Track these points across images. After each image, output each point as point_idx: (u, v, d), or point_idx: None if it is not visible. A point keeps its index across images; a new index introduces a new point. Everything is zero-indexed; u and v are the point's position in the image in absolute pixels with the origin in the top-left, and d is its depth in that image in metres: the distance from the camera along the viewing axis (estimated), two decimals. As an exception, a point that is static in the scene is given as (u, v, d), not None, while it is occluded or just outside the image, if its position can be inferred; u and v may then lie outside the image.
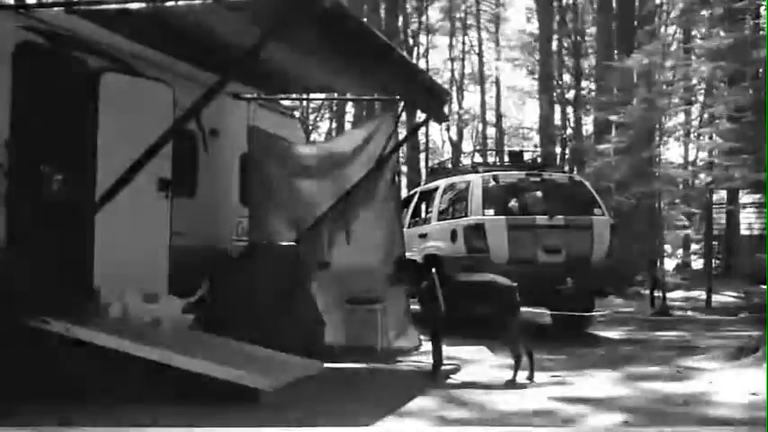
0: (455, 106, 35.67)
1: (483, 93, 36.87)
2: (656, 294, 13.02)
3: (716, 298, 13.56)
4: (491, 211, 9.01)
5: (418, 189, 12.22)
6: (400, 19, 27.55)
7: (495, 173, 9.71)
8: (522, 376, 5.98)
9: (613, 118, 14.47)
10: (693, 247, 24.04)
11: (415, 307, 7.35)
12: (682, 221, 13.93)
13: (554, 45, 27.71)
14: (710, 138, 15.94)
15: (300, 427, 4.38)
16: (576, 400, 5.30)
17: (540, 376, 6.08)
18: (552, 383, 5.96)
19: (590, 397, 5.44)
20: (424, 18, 34.36)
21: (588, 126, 27.22)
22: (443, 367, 6.41)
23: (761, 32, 12.87)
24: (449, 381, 6.22)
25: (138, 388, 4.96)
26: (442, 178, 10.94)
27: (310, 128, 30.42)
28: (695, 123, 22.33)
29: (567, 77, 31.34)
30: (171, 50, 6.37)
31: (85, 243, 5.67)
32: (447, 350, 6.60)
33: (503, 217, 8.94)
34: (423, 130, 29.28)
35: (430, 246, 9.76)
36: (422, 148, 33.05)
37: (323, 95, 12.48)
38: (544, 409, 5.01)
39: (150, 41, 6.16)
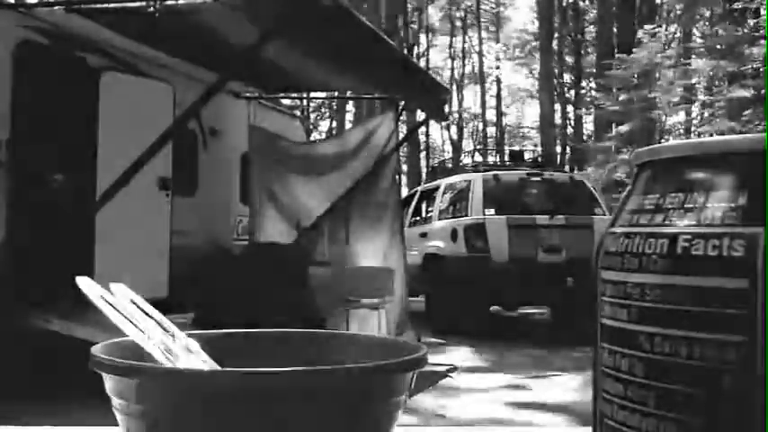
0: (455, 105, 35.72)
1: (483, 92, 36.91)
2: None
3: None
4: (491, 211, 9.01)
5: (419, 188, 12.22)
6: (400, 18, 27.54)
7: (495, 172, 9.71)
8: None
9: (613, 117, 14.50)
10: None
11: (417, 306, 7.36)
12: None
13: (554, 44, 27.72)
14: (711, 136, 15.94)
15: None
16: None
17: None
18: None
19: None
20: (424, 17, 34.39)
21: (589, 125, 27.25)
22: (441, 367, 6.40)
23: (761, 31, 12.87)
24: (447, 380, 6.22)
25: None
26: (442, 177, 10.94)
27: (310, 127, 30.43)
28: (695, 122, 22.33)
29: (567, 76, 31.37)
30: (171, 50, 6.37)
31: (86, 242, 5.67)
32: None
33: (503, 216, 8.94)
34: (423, 129, 29.29)
35: (430, 245, 9.76)
36: (422, 147, 33.09)
37: (323, 95, 12.47)
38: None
39: (150, 40, 6.16)
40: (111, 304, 0.48)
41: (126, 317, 0.48)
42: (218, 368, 0.49)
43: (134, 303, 0.50)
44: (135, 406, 0.41)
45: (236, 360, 0.51)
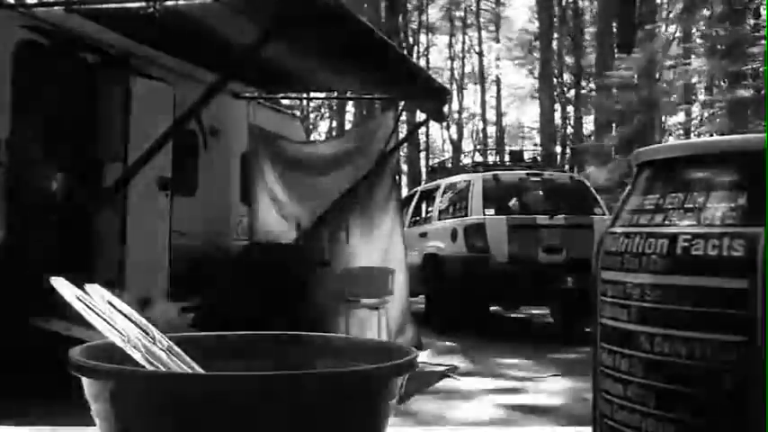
0: (455, 105, 35.71)
1: (483, 92, 36.91)
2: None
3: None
4: (491, 211, 9.01)
5: (419, 188, 12.22)
6: (400, 18, 27.55)
7: (495, 172, 9.71)
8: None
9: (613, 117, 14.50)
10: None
11: (417, 306, 7.35)
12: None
13: (554, 44, 27.72)
14: (711, 136, 15.95)
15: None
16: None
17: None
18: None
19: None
20: (424, 17, 34.40)
21: (589, 125, 27.25)
22: (441, 367, 6.40)
23: (761, 31, 12.88)
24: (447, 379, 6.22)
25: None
26: (442, 177, 10.94)
27: (310, 127, 30.43)
28: (695, 122, 22.34)
29: (567, 76, 31.37)
30: (171, 49, 6.37)
31: (86, 241, 5.67)
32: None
33: (503, 216, 8.94)
34: (423, 129, 29.30)
35: (430, 245, 9.76)
36: (422, 147, 33.10)
37: (323, 95, 12.47)
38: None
39: (150, 40, 6.16)
40: (87, 305, 0.47)
41: (104, 318, 0.46)
42: (200, 371, 0.47)
43: (111, 304, 0.48)
44: (108, 409, 0.40)
45: (225, 362, 0.50)
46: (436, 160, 25.02)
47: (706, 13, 18.11)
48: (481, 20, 36.38)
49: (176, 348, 0.48)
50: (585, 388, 5.76)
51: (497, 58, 36.96)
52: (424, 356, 7.30)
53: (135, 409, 0.40)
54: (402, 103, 8.13)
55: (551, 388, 5.78)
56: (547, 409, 5.06)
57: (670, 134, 20.90)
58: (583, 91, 28.83)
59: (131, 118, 5.84)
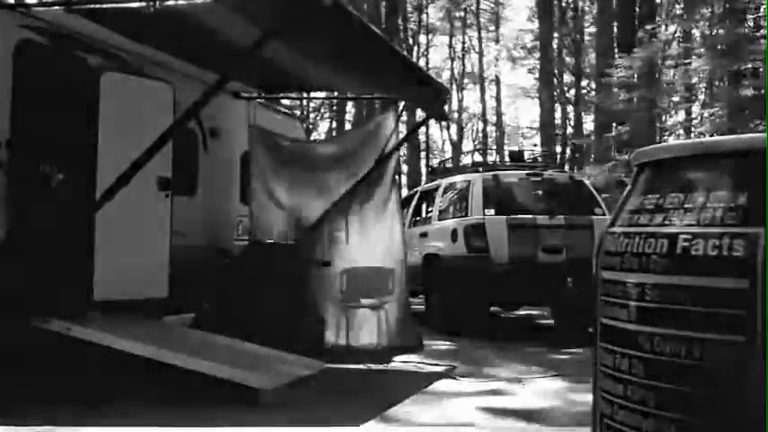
0: (455, 105, 35.71)
1: (483, 92, 36.90)
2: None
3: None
4: (491, 211, 9.00)
5: (419, 188, 12.22)
6: (400, 18, 27.54)
7: (495, 172, 9.71)
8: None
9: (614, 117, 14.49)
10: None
11: (417, 306, 7.33)
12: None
13: (554, 44, 27.71)
14: (711, 136, 15.95)
15: (297, 426, 4.38)
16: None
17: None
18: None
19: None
20: (423, 17, 34.41)
21: (588, 125, 27.25)
22: (440, 367, 6.40)
23: (761, 30, 12.87)
24: (449, 379, 6.22)
25: (137, 388, 4.96)
26: (442, 177, 10.94)
27: (310, 127, 30.41)
28: (695, 122, 22.32)
29: (567, 76, 31.37)
30: (171, 49, 6.37)
31: (85, 242, 5.67)
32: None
33: (503, 217, 8.93)
34: (423, 129, 29.30)
35: (430, 245, 9.76)
36: (422, 147, 33.10)
37: (323, 95, 12.48)
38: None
39: (150, 40, 6.16)
40: None
41: None
42: None
43: None
44: None
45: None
46: (436, 160, 25.00)
47: (706, 12, 18.10)
48: (481, 20, 36.36)
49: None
50: (585, 388, 5.75)
51: (497, 58, 36.95)
52: (423, 357, 7.30)
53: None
54: (402, 103, 8.12)
55: (551, 388, 5.78)
56: (547, 408, 5.06)
57: (670, 134, 20.88)
58: (583, 91, 28.82)
59: (131, 118, 5.83)
